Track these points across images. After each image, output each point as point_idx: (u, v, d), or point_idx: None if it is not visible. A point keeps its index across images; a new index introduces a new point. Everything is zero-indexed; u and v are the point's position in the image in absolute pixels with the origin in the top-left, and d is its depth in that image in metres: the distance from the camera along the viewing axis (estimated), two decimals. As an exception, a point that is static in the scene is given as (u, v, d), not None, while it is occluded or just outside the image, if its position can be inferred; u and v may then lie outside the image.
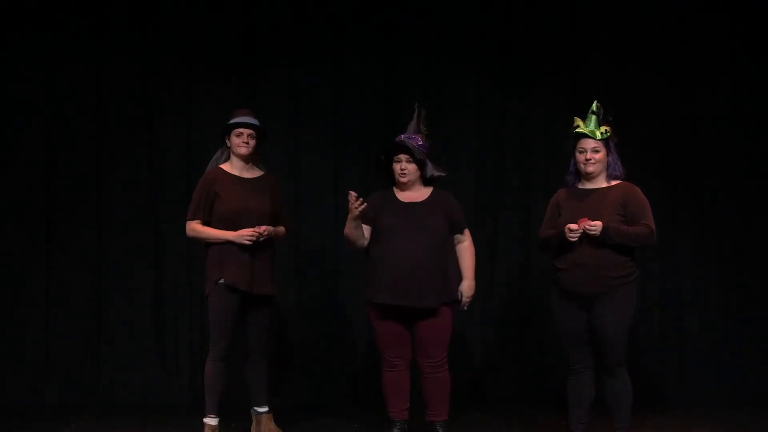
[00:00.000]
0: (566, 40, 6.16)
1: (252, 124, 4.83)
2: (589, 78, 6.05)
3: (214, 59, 6.16)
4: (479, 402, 5.98)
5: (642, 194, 4.49)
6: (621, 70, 6.10)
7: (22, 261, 6.10)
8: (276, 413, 5.01)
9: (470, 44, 6.18)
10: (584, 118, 4.51)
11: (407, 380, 4.79)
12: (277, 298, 5.17)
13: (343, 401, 6.02)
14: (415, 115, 4.83)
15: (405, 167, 4.71)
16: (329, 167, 6.18)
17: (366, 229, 4.75)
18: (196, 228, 4.80)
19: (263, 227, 4.72)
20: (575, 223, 4.35)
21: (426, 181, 4.80)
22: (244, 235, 4.68)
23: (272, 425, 4.96)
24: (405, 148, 4.69)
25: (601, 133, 4.47)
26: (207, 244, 4.79)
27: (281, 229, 4.93)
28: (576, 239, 4.35)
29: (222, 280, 4.71)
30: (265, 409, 4.95)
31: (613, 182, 4.52)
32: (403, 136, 4.76)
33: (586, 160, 4.48)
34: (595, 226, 4.32)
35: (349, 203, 4.56)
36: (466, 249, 4.80)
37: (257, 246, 4.72)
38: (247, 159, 4.86)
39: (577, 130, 4.51)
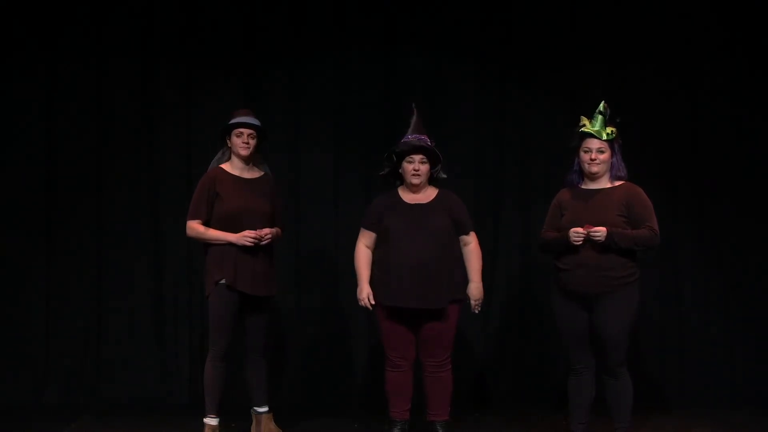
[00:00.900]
0: (566, 40, 6.15)
1: (252, 124, 4.82)
2: (589, 78, 6.04)
3: (214, 59, 6.15)
4: (479, 402, 5.98)
5: (645, 195, 4.50)
6: (621, 70, 6.09)
7: (22, 261, 6.09)
8: (276, 413, 5.01)
9: (470, 44, 6.17)
10: (590, 118, 4.51)
11: (410, 381, 4.79)
12: (277, 298, 5.17)
13: (343, 401, 6.01)
14: (415, 115, 4.81)
15: (418, 168, 4.69)
16: (329, 167, 6.17)
17: (371, 237, 4.76)
18: (196, 228, 4.79)
19: (265, 230, 4.72)
20: (579, 224, 4.35)
21: (430, 182, 4.79)
22: (245, 236, 4.68)
23: (272, 425, 4.96)
24: (422, 149, 4.67)
25: (607, 134, 4.47)
26: (207, 244, 4.79)
27: (279, 230, 4.93)
28: (580, 242, 4.35)
29: (222, 281, 4.71)
30: (265, 409, 4.95)
31: (617, 183, 4.53)
32: (411, 136, 4.73)
33: (591, 159, 4.48)
34: (600, 232, 4.32)
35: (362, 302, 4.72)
36: (472, 251, 4.78)
37: (257, 246, 4.72)
38: (248, 159, 4.86)
39: (583, 129, 4.50)
